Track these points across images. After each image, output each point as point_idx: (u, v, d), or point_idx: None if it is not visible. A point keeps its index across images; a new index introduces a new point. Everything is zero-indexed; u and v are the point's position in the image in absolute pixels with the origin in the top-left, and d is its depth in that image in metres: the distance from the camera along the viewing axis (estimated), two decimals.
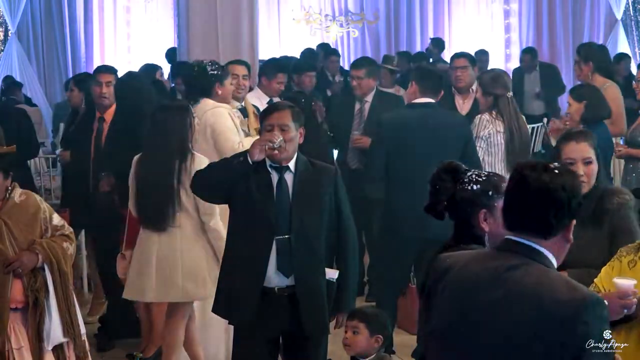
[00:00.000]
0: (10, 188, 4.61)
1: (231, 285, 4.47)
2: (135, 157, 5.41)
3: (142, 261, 5.34)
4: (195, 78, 6.13)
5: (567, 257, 4.12)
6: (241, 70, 6.96)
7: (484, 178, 3.25)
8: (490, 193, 3.21)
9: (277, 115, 4.45)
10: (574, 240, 4.14)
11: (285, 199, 4.43)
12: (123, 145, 6.07)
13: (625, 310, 3.36)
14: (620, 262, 3.70)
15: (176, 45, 13.44)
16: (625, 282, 3.38)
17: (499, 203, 3.16)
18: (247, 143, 5.84)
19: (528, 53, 11.60)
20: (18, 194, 4.63)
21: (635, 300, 3.37)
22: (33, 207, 4.64)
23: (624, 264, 3.69)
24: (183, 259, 5.27)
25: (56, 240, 4.63)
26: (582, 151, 4.24)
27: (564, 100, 11.68)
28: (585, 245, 4.09)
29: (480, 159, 6.41)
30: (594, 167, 4.19)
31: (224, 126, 5.86)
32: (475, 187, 3.22)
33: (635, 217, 4.12)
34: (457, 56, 8.04)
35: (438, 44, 12.91)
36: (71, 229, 4.77)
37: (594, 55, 7.54)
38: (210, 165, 4.62)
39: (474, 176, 3.25)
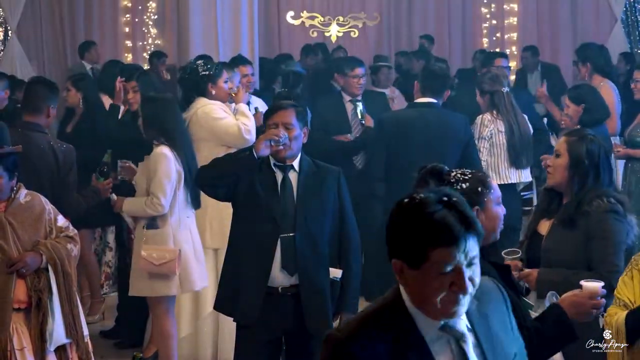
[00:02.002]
0: (15, 188, 4.62)
1: (236, 283, 4.49)
2: (166, 150, 5.45)
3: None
4: (187, 79, 6.15)
5: (541, 255, 4.17)
6: (247, 69, 7.20)
7: (469, 176, 3.24)
8: (479, 189, 3.22)
9: (281, 114, 4.48)
10: (549, 240, 4.16)
11: (289, 198, 4.46)
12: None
13: (595, 311, 3.38)
14: None
15: (176, 45, 13.47)
16: (593, 284, 3.42)
17: (489, 198, 3.21)
18: (246, 121, 5.87)
19: (528, 50, 11.59)
20: (23, 194, 4.64)
21: (603, 300, 3.40)
22: (38, 208, 4.65)
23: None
24: None
25: (60, 242, 4.64)
26: (557, 143, 4.44)
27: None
28: (560, 246, 4.13)
29: (484, 160, 6.42)
30: (561, 161, 4.27)
31: (219, 115, 5.91)
32: (464, 185, 3.20)
33: (619, 222, 4.12)
34: (500, 56, 8.10)
35: (430, 39, 12.97)
36: (75, 231, 4.77)
37: (591, 56, 7.55)
38: (216, 159, 4.64)
39: (459, 175, 3.24)
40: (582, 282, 3.41)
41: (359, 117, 7.31)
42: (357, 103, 7.42)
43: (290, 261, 4.43)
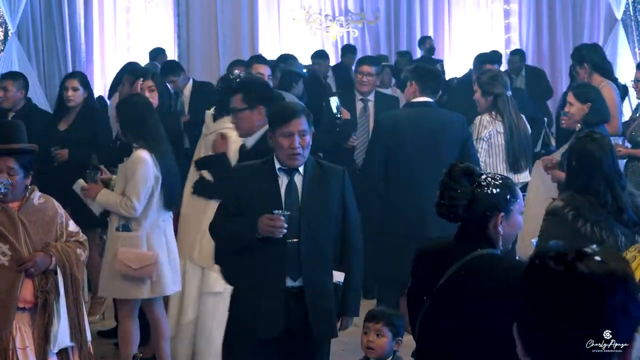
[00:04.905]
0: (29, 188, 4.61)
1: (254, 298, 4.42)
2: (145, 154, 5.45)
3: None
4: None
5: None
6: (264, 69, 6.98)
7: (500, 182, 3.26)
8: (508, 197, 3.24)
9: (296, 123, 4.38)
10: None
11: (294, 203, 4.40)
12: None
13: None
14: (625, 255, 3.73)
15: (176, 46, 13.48)
16: None
17: (514, 207, 3.24)
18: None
19: (516, 54, 11.62)
20: (37, 196, 4.64)
21: None
22: (51, 211, 4.64)
23: (626, 257, 3.72)
24: None
25: (70, 245, 4.64)
26: None
27: (551, 103, 11.68)
28: None
29: (482, 160, 6.42)
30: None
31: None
32: (495, 190, 3.22)
33: (554, 223, 4.19)
34: (492, 62, 8.13)
35: (431, 39, 13.03)
36: (85, 237, 4.77)
37: (587, 56, 7.53)
38: (220, 233, 4.60)
39: (490, 179, 3.25)
40: None
41: (335, 111, 7.28)
42: (333, 97, 7.38)
43: (294, 267, 4.39)
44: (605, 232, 4.12)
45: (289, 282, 4.41)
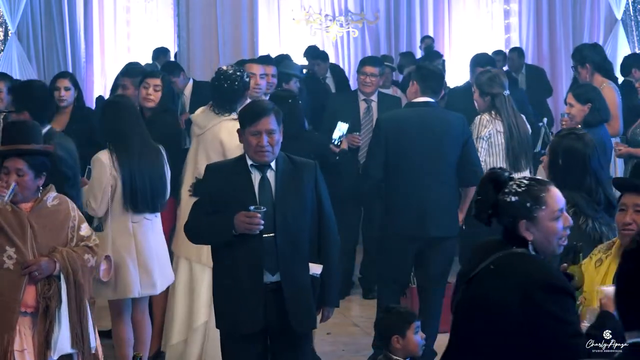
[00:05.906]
0: (42, 189, 4.58)
1: (234, 296, 4.45)
2: (102, 156, 5.47)
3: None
4: (230, 86, 5.93)
5: None
6: (256, 68, 6.92)
7: (523, 189, 3.25)
8: (528, 205, 3.23)
9: (265, 121, 4.43)
10: None
11: (268, 198, 4.44)
12: None
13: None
14: (590, 260, 3.74)
15: (176, 45, 13.48)
16: (612, 288, 3.43)
17: (540, 214, 3.22)
18: None
19: (514, 51, 11.67)
20: (51, 197, 4.58)
21: None
22: (63, 214, 4.59)
23: (592, 262, 3.73)
24: None
25: (77, 251, 4.58)
26: None
27: (551, 102, 11.68)
28: None
29: (482, 159, 6.42)
30: (545, 158, 4.49)
31: (236, 144, 5.77)
32: (513, 199, 3.24)
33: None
34: (485, 64, 8.14)
35: (432, 39, 13.04)
36: (97, 241, 4.72)
37: (589, 56, 7.54)
38: (199, 229, 4.57)
39: (514, 187, 3.26)
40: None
41: (337, 137, 7.02)
42: (345, 124, 7.17)
43: (271, 261, 4.42)
44: (605, 228, 4.14)
45: (268, 277, 4.43)
